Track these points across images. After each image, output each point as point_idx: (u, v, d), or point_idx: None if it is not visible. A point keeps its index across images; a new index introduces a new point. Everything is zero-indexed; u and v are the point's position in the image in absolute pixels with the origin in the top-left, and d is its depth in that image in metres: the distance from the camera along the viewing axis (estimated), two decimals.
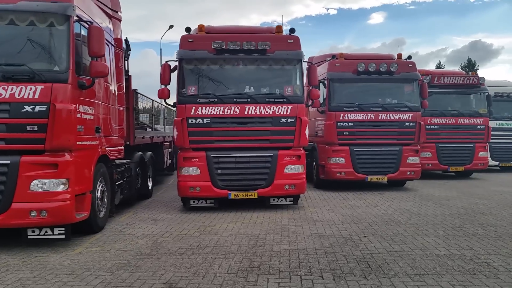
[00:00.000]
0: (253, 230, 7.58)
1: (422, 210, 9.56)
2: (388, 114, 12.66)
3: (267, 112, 9.33)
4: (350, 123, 12.63)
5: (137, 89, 10.81)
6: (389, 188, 13.32)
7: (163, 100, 10.02)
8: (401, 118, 12.70)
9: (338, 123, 12.61)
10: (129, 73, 10.36)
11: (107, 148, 7.90)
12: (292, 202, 9.75)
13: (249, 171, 9.38)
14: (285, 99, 9.39)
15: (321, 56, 15.08)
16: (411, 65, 12.96)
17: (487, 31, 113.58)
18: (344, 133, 12.64)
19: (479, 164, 16.20)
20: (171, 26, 34.66)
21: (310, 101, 10.27)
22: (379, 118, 12.65)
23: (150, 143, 12.22)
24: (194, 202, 9.52)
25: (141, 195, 11.46)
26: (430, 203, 10.52)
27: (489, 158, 18.63)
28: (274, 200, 9.67)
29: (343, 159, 12.65)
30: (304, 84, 9.95)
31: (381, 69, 12.56)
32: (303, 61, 9.89)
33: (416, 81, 12.97)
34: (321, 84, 13.22)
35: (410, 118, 12.72)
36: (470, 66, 58.43)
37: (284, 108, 9.37)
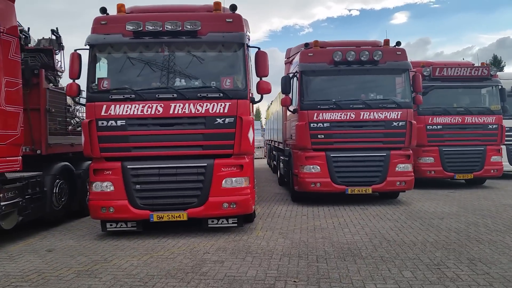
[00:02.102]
0: (150, 270, 5.60)
1: (401, 234, 7.38)
2: (372, 113, 10.47)
3: (198, 110, 7.34)
4: (325, 124, 10.49)
5: (49, 87, 8.94)
6: (377, 202, 11.11)
7: (71, 98, 8.11)
8: (388, 117, 10.49)
9: (312, 124, 10.49)
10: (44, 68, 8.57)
11: None
12: (235, 224, 7.71)
13: (176, 186, 7.40)
14: (222, 94, 7.39)
15: (297, 46, 13.00)
16: (399, 53, 10.73)
17: None
18: (319, 136, 10.52)
19: (492, 171, 13.75)
20: None
21: (259, 96, 8.22)
22: (361, 117, 10.47)
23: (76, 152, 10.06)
24: (111, 225, 7.61)
25: (74, 212, 9.64)
26: (417, 223, 8.31)
27: (507, 163, 16.27)
28: (213, 222, 7.66)
29: (318, 167, 10.52)
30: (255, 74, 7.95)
31: (362, 58, 10.40)
32: (249, 46, 7.91)
33: (406, 71, 10.75)
34: (295, 79, 11.19)
35: (399, 117, 10.50)
36: (496, 64, 54.90)
37: (221, 105, 7.36)
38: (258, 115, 68.10)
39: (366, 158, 10.51)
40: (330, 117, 10.47)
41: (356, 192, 10.44)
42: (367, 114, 10.46)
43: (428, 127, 13.61)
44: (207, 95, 7.35)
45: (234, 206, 7.39)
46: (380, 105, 10.52)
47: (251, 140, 7.45)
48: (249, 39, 10.43)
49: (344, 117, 10.47)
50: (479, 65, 14.23)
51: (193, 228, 7.93)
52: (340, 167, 10.50)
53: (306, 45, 11.11)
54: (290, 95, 11.12)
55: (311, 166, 10.56)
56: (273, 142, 20.22)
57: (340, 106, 10.49)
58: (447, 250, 6.30)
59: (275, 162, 18.28)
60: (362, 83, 10.98)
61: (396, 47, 10.87)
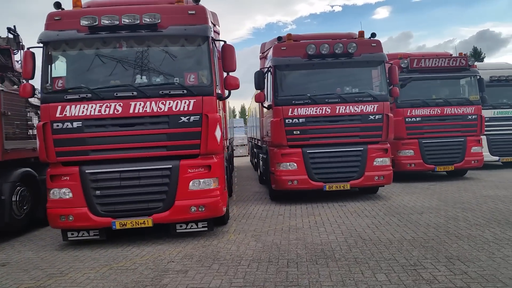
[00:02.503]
0: (106, 284, 5.18)
1: (378, 232, 7.07)
2: (348, 107, 10.14)
3: (160, 109, 6.89)
4: (301, 120, 10.13)
5: (4, 88, 8.41)
6: (357, 198, 10.81)
7: (25, 99, 7.60)
8: (364, 110, 10.18)
9: (287, 120, 10.13)
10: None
11: None
12: (205, 228, 7.30)
13: (140, 190, 6.95)
14: (186, 91, 6.96)
15: (271, 41, 12.60)
16: (374, 45, 10.42)
17: (495, 20, 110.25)
18: (295, 132, 10.16)
19: (473, 161, 13.57)
20: None
21: (226, 92, 7.80)
22: (337, 111, 10.13)
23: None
24: (72, 234, 7.14)
25: (40, 220, 9.09)
26: (395, 219, 8.01)
27: (488, 153, 16.16)
28: (181, 226, 7.24)
29: (295, 164, 10.17)
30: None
31: (336, 50, 10.06)
32: (214, 40, 7.50)
33: (382, 63, 10.44)
34: (269, 74, 10.81)
35: (375, 110, 10.19)
36: (476, 56, 55.35)
37: (185, 102, 6.93)
38: (244, 112, 67.62)
39: (343, 154, 10.19)
40: (305, 112, 10.11)
41: (334, 189, 10.13)
42: (343, 108, 10.13)
43: (407, 119, 13.37)
44: (170, 92, 6.91)
45: (203, 209, 6.98)
46: (356, 98, 10.20)
47: (218, 138, 7.04)
48: (218, 33, 10.07)
49: (319, 112, 10.12)
50: (457, 55, 14.02)
51: (161, 234, 7.52)
52: (317, 164, 10.16)
53: (279, 38, 10.72)
54: (265, 91, 10.76)
55: (288, 164, 10.20)
56: (253, 139, 19.85)
57: (315, 100, 10.14)
58: (425, 248, 6.00)
59: (256, 160, 17.92)
60: (337, 77, 10.63)
61: (371, 38, 10.54)
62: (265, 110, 11.93)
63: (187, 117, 6.92)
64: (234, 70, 7.46)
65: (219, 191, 7.15)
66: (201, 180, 7.01)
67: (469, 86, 14.04)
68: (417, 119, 13.40)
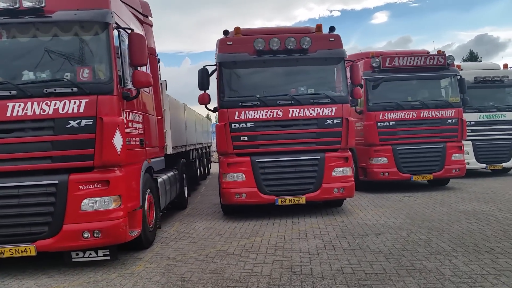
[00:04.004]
0: None
1: (315, 261, 5.74)
2: (302, 109, 8.84)
3: (44, 111, 5.59)
4: (249, 124, 8.82)
5: None
6: (316, 212, 9.48)
7: None
8: (321, 113, 8.87)
9: (233, 125, 8.82)
10: None
11: None
12: (107, 257, 5.97)
13: (21, 211, 5.63)
14: (76, 89, 5.65)
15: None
16: (333, 39, 9.12)
17: (493, 24, 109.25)
18: (242, 139, 8.86)
19: (454, 170, 12.25)
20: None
21: (134, 90, 6.47)
22: (289, 115, 8.83)
23: None
24: (77, 255, 5.90)
25: None
26: (345, 243, 6.69)
27: (474, 160, 14.92)
28: (78, 255, 5.91)
29: (243, 175, 8.86)
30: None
31: (288, 46, 8.77)
32: (120, 29, 6.21)
33: (342, 61, 9.14)
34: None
35: (333, 114, 8.90)
36: (473, 59, 54.22)
37: (75, 103, 5.63)
38: None
39: (298, 163, 8.90)
40: (254, 115, 8.81)
41: (288, 203, 8.82)
42: (296, 111, 8.83)
43: (379, 124, 12.07)
44: (55, 91, 5.61)
45: (99, 235, 5.66)
46: (311, 100, 8.91)
47: (118, 147, 5.73)
48: (151, 26, 8.83)
49: (270, 115, 8.83)
50: (435, 53, 12.73)
51: (56, 263, 6.18)
52: (267, 174, 8.87)
53: (226, 32, 9.37)
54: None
55: (235, 174, 8.89)
56: None
57: (265, 102, 8.85)
58: None
59: None
60: (291, 76, 9.36)
61: (330, 33, 9.26)
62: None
63: (78, 121, 5.64)
64: (144, 64, 6.34)
65: (122, 212, 5.83)
66: (97, 199, 5.70)
67: (448, 87, 12.77)
68: (391, 123, 12.09)
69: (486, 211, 8.80)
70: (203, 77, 9.10)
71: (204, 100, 9.16)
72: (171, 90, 12.35)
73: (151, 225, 7.22)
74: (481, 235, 6.76)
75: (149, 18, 8.84)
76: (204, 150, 18.89)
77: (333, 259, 5.84)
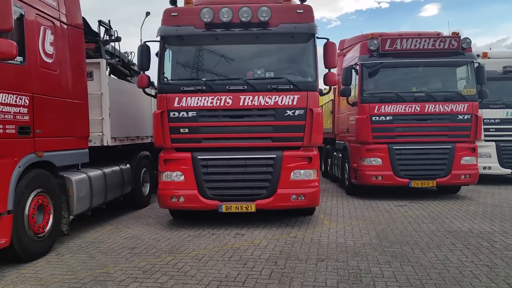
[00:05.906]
0: None
1: None
2: (257, 97, 7.20)
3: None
4: (190, 113, 7.31)
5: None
6: (272, 221, 7.86)
7: None
8: (280, 103, 7.20)
9: (171, 114, 7.32)
10: None
11: None
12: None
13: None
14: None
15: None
16: (301, 11, 7.35)
17: None
18: (182, 130, 7.35)
19: (463, 176, 10.22)
20: (148, 13, 30.35)
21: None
22: (241, 103, 7.21)
23: None
24: None
25: None
26: (267, 271, 5.08)
27: (497, 164, 12.79)
28: None
29: (181, 174, 7.38)
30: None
31: (242, 18, 7.14)
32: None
33: (311, 38, 7.39)
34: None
35: (294, 103, 7.19)
36: None
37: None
38: None
39: (248, 162, 7.31)
40: (197, 103, 7.28)
41: (234, 210, 7.28)
42: (249, 99, 7.21)
43: (373, 118, 10.20)
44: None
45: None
46: (268, 86, 7.24)
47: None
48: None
49: (216, 103, 7.26)
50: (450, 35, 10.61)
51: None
52: (211, 175, 7.35)
53: (173, 2, 7.71)
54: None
55: (173, 173, 7.43)
56: None
57: (212, 87, 7.28)
58: None
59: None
60: (248, 56, 7.72)
61: (299, 4, 7.51)
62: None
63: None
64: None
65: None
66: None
67: (462, 76, 10.66)
68: (388, 118, 10.19)
69: (485, 233, 6.89)
70: (143, 56, 7.60)
71: (142, 83, 7.67)
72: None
73: (41, 233, 5.88)
74: (455, 273, 4.94)
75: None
76: None
77: None
